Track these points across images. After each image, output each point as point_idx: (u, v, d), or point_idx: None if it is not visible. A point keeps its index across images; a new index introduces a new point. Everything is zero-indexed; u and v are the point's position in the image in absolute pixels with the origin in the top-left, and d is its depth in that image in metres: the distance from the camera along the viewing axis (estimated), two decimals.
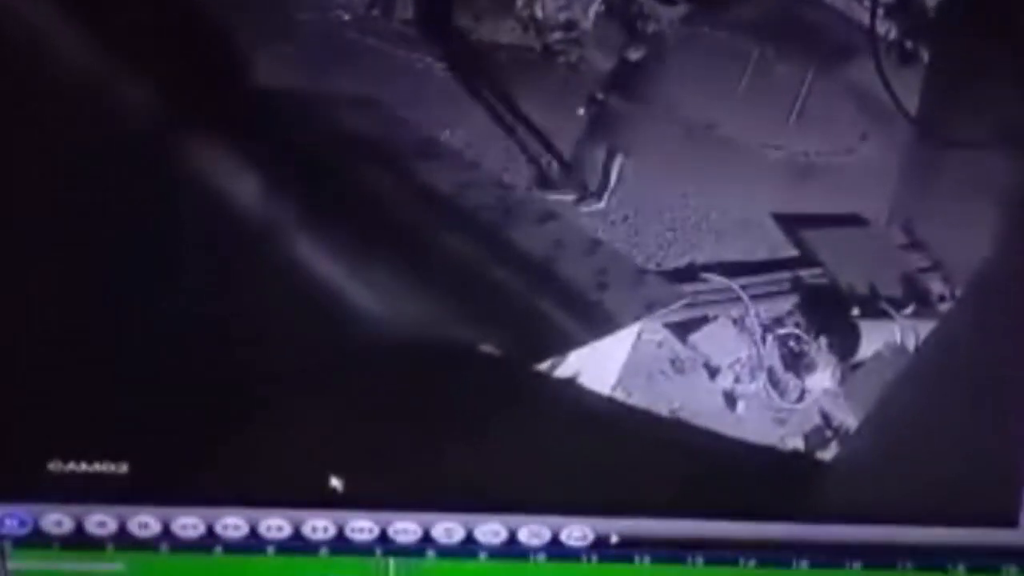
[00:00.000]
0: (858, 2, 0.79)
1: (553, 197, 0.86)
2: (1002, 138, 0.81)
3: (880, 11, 0.80)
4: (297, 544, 0.92)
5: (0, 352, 0.87)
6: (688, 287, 0.87)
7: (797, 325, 0.89)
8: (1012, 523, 0.92)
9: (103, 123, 0.82)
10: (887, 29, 0.80)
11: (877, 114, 0.82)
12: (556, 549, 0.92)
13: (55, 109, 0.82)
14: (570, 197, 0.85)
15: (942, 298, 0.87)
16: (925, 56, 0.81)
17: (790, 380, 0.90)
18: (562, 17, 0.81)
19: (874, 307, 0.88)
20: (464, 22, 0.81)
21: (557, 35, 0.81)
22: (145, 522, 0.92)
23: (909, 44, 0.80)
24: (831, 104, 0.83)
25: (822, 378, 0.90)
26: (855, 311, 0.88)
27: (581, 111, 0.83)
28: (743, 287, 0.87)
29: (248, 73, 0.82)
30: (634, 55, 0.81)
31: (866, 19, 0.80)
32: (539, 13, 0.81)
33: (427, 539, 0.92)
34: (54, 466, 0.91)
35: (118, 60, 0.80)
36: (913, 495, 0.91)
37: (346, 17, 0.80)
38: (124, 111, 0.82)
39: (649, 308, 0.88)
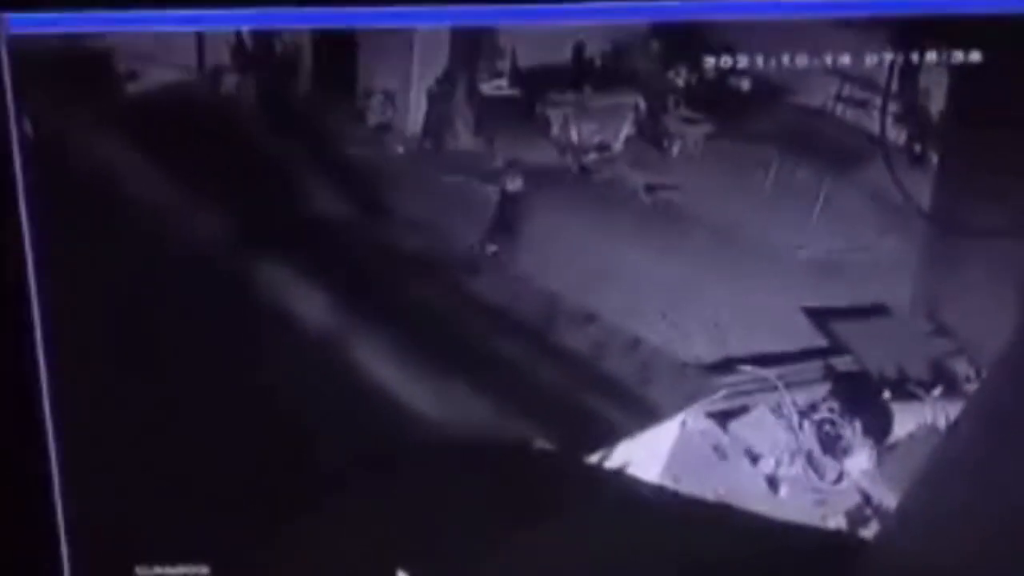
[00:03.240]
0: (867, 113, 0.85)
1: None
2: (1011, 226, 0.86)
3: (889, 119, 0.85)
4: None
5: (92, 467, 0.93)
6: (727, 378, 0.91)
7: (831, 410, 0.92)
8: None
9: (181, 248, 0.89)
10: (896, 135, 0.86)
11: (893, 212, 0.86)
12: None
13: (138, 239, 0.89)
14: None
15: (968, 379, 0.91)
16: (934, 157, 0.86)
17: (828, 462, 0.93)
18: (596, 140, 0.87)
19: (904, 390, 0.91)
20: (507, 148, 0.87)
21: (592, 156, 0.87)
22: None
23: (918, 147, 0.86)
24: (849, 205, 0.87)
25: (859, 459, 0.93)
26: (886, 394, 0.92)
27: (617, 222, 0.90)
28: (778, 376, 0.91)
29: (311, 201, 0.88)
30: (664, 170, 0.87)
31: (876, 127, 0.85)
32: (574, 137, 0.87)
33: None
34: (141, 570, 0.96)
35: (194, 194, 0.86)
36: (955, 571, 0.93)
37: (400, 150, 0.88)
38: (200, 238, 0.88)
39: (691, 399, 0.92)
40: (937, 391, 0.91)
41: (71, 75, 0.84)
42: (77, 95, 0.85)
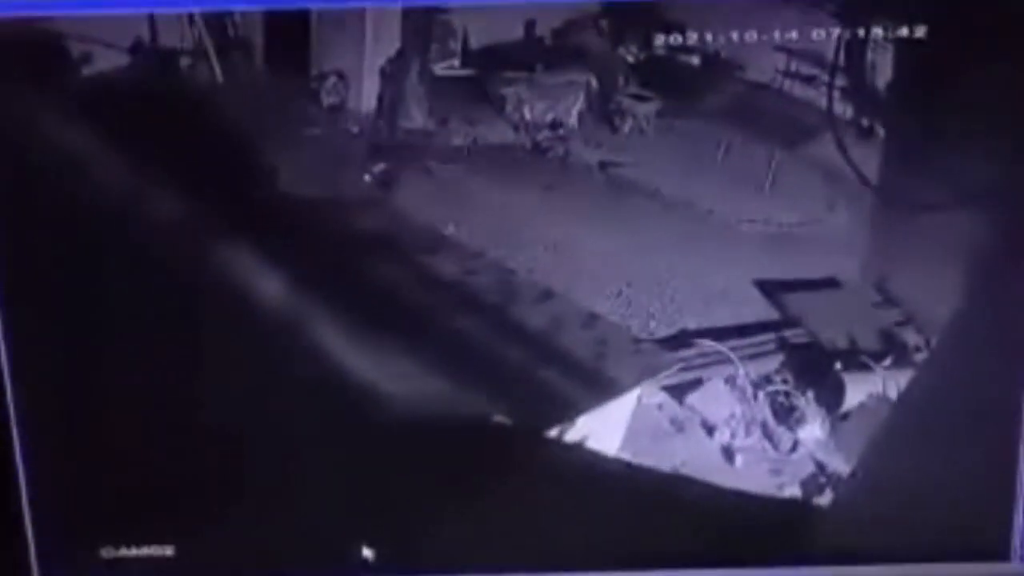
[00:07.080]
0: (815, 88, 0.86)
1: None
2: (958, 199, 0.88)
3: (836, 94, 0.86)
4: None
5: (55, 451, 0.94)
6: (681, 352, 0.93)
7: (785, 381, 0.94)
8: (1003, 557, 0.96)
9: (136, 230, 0.89)
10: (844, 109, 0.87)
11: (842, 185, 0.88)
12: None
13: (94, 221, 0.89)
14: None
15: (918, 348, 0.92)
16: (881, 131, 0.87)
17: (783, 433, 0.95)
18: (548, 118, 0.88)
19: (855, 361, 0.93)
20: (461, 126, 0.88)
21: (545, 133, 0.88)
22: None
23: (865, 121, 0.87)
24: (798, 179, 0.88)
25: (812, 429, 0.95)
26: (838, 365, 0.93)
27: (572, 199, 0.90)
28: (732, 349, 0.93)
29: (269, 182, 0.88)
30: (616, 147, 0.88)
31: (824, 102, 0.87)
32: (528, 115, 0.88)
33: None
34: (106, 552, 0.97)
35: (147, 175, 0.87)
36: (908, 534, 0.96)
37: (355, 130, 0.88)
38: (154, 219, 0.88)
39: (647, 373, 0.93)
40: (887, 361, 0.93)
41: (24, 58, 0.84)
42: (30, 78, 0.85)
